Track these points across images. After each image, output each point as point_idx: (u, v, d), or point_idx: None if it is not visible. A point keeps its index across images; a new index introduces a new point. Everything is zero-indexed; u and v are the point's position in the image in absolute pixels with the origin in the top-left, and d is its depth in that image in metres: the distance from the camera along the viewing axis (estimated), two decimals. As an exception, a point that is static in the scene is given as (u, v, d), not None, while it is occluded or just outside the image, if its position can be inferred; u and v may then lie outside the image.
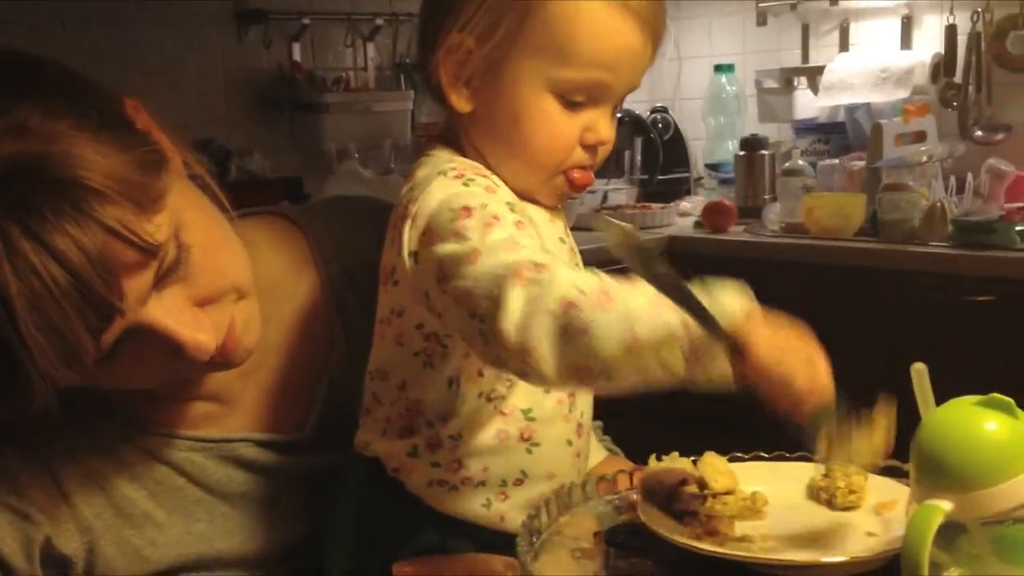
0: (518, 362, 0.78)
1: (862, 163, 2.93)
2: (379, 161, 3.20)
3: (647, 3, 0.92)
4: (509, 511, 0.97)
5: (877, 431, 0.78)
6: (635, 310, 0.77)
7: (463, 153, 0.96)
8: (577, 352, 0.76)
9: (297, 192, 2.98)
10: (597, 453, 1.15)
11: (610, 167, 3.48)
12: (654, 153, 3.47)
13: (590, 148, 0.95)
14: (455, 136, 0.98)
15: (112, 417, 0.97)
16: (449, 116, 0.98)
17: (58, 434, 0.95)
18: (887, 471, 0.92)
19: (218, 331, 0.89)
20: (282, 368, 1.03)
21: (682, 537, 0.85)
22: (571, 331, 0.76)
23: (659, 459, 0.96)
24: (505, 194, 0.91)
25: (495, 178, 0.93)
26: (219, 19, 3.05)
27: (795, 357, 0.76)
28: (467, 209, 0.85)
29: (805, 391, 0.76)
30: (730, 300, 0.77)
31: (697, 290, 0.77)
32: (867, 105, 3.20)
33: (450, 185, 0.89)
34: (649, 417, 2.94)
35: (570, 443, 0.99)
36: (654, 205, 3.25)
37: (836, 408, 0.77)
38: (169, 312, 0.85)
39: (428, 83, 0.96)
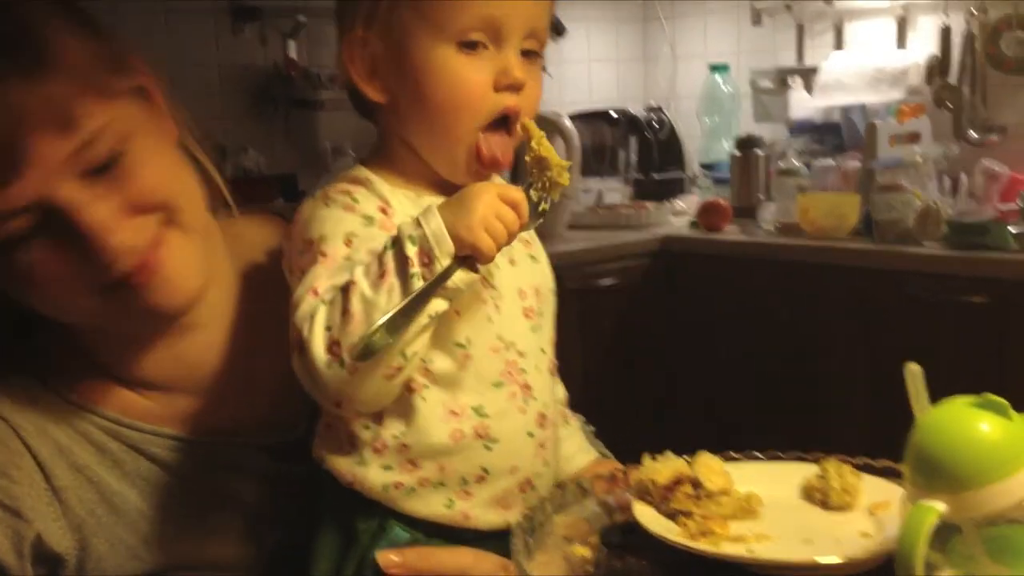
0: (305, 375, 0.88)
1: (857, 163, 2.93)
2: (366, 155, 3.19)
3: None
4: (473, 508, 0.96)
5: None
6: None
7: (391, 155, 0.99)
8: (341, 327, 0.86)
9: (292, 189, 2.98)
10: (586, 454, 1.15)
11: (605, 166, 3.49)
12: (649, 152, 3.48)
13: (506, 91, 0.95)
14: (382, 143, 1.01)
15: (97, 411, 0.97)
16: (377, 126, 1.01)
17: (46, 429, 0.95)
18: (882, 471, 0.92)
19: (139, 242, 0.89)
20: (276, 367, 1.03)
21: (677, 537, 0.85)
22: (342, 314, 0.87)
23: (653, 458, 0.96)
24: (366, 207, 0.94)
25: (361, 192, 0.96)
26: (215, 15, 3.05)
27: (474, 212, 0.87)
28: (308, 243, 0.93)
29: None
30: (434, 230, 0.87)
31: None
32: (862, 105, 3.21)
33: (311, 208, 0.96)
34: (642, 416, 2.95)
35: (531, 435, 0.99)
36: (649, 204, 3.26)
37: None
38: (89, 205, 0.86)
39: (348, 93, 0.99)
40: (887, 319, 2.60)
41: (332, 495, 0.95)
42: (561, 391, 1.14)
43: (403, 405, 0.94)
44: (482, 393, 0.96)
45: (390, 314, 0.84)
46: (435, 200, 0.95)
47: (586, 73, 3.83)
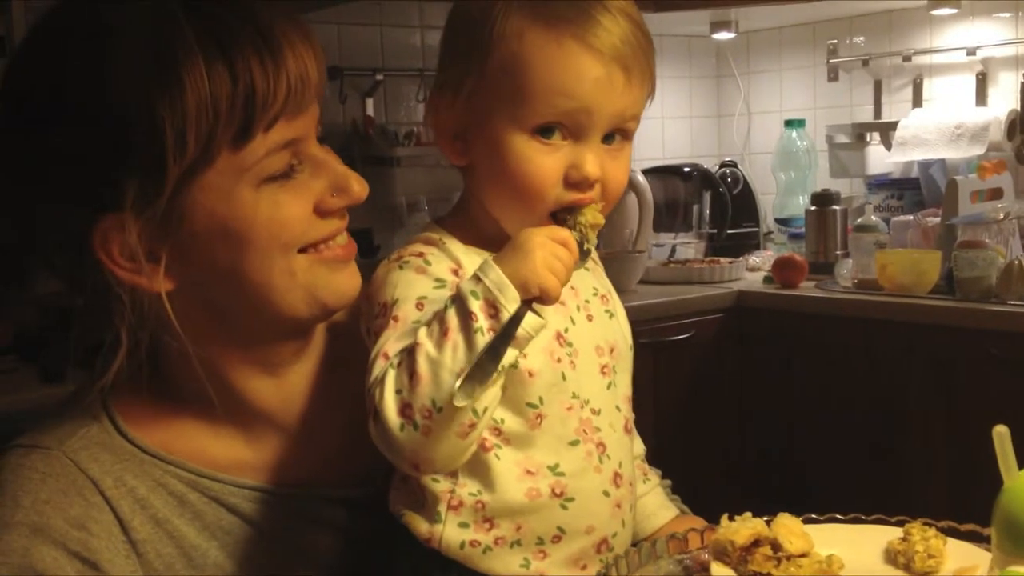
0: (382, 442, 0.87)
1: (937, 220, 2.89)
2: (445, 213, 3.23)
3: (600, 33, 0.92)
4: (549, 568, 0.96)
5: None
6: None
7: (470, 213, 1.01)
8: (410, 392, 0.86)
9: (367, 244, 3.02)
10: (667, 511, 1.14)
11: (678, 221, 3.48)
12: (722, 207, 3.46)
13: (575, 185, 0.95)
14: (462, 201, 1.03)
15: (175, 461, 0.97)
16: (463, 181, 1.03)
17: (124, 480, 0.95)
18: (967, 536, 0.90)
19: (364, 194, 0.96)
20: (353, 417, 1.04)
21: (755, 599, 0.83)
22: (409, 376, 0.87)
23: (731, 519, 0.95)
24: (438, 269, 0.95)
25: (434, 254, 0.97)
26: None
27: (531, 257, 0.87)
28: (382, 306, 0.94)
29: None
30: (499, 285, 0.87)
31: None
32: (942, 161, 3.17)
33: (385, 270, 0.97)
34: (715, 474, 2.91)
35: (607, 494, 0.98)
36: (722, 259, 3.24)
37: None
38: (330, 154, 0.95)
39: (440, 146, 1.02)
40: (969, 378, 2.54)
41: (409, 550, 0.95)
42: (639, 446, 1.14)
43: (478, 464, 0.94)
44: (557, 452, 0.96)
45: (467, 371, 0.83)
46: None
47: (660, 129, 3.84)
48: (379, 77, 3.16)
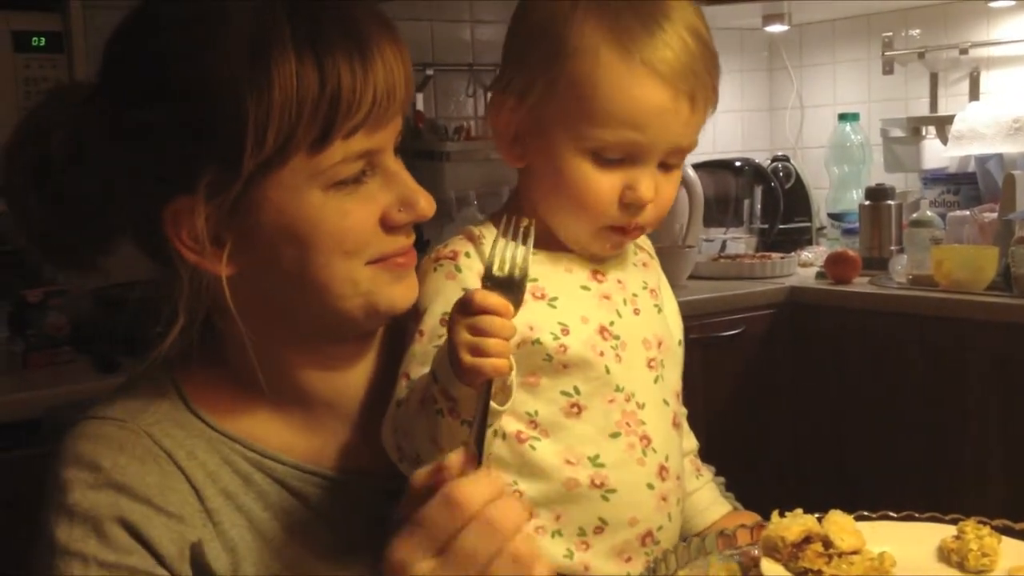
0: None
1: (994, 215, 2.84)
2: (497, 208, 3.23)
3: (672, 63, 0.92)
4: (593, 559, 0.96)
5: None
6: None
7: (519, 206, 1.00)
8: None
9: (417, 239, 3.03)
10: (720, 507, 1.13)
11: (729, 216, 3.45)
12: (774, 202, 3.43)
13: (629, 207, 0.96)
14: (516, 197, 1.03)
15: (241, 440, 0.99)
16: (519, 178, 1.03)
17: (195, 454, 0.97)
18: (1023, 534, 0.88)
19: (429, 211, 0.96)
20: None
21: (806, 596, 0.83)
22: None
23: (782, 515, 0.94)
24: (466, 277, 0.96)
25: (468, 255, 0.98)
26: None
27: None
28: (416, 312, 0.97)
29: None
30: None
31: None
32: (999, 155, 3.11)
33: (424, 267, 1.00)
34: (767, 470, 2.89)
35: (651, 487, 0.98)
36: (774, 255, 3.21)
37: None
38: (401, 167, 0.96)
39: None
40: (1026, 376, 2.50)
41: None
42: (691, 442, 1.13)
43: (514, 453, 0.95)
44: (598, 443, 0.96)
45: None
46: (545, 258, 0.98)
47: (711, 123, 3.79)
48: (429, 72, 3.17)
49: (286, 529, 0.99)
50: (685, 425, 1.10)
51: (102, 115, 0.92)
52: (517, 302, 0.83)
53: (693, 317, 2.74)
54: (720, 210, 3.45)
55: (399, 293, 0.96)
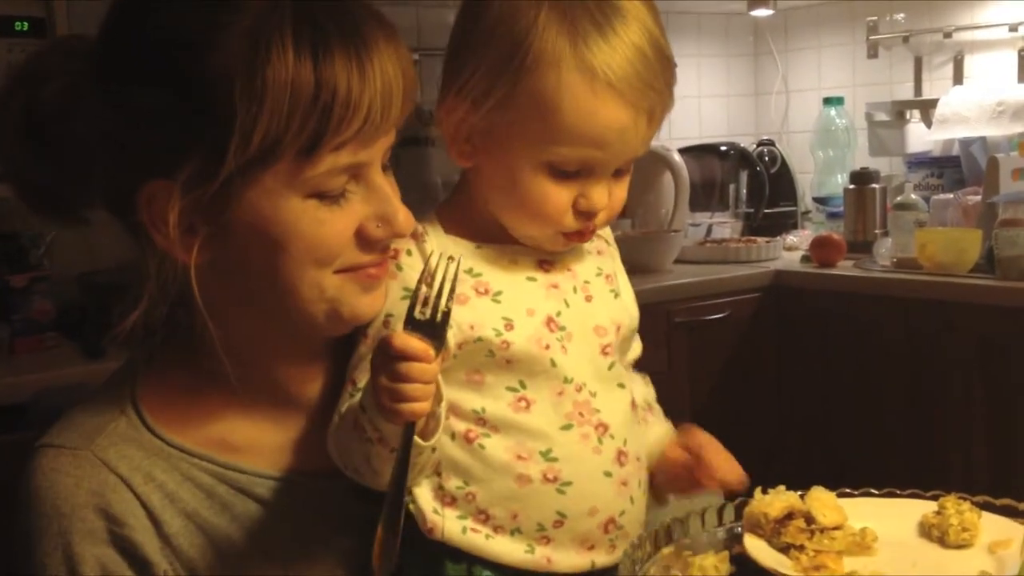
0: None
1: (977, 198, 2.86)
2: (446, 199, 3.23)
3: (634, 82, 0.92)
4: (554, 553, 0.96)
5: None
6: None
7: (468, 204, 1.01)
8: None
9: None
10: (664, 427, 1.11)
11: (714, 200, 3.46)
12: (760, 186, 3.44)
13: (583, 214, 0.96)
14: (462, 189, 1.02)
15: (200, 454, 0.98)
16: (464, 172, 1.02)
17: (153, 475, 0.96)
18: (1002, 510, 0.90)
19: (409, 227, 0.95)
20: None
21: (788, 571, 0.84)
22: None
23: (765, 492, 0.95)
24: (407, 276, 0.96)
25: (409, 254, 0.98)
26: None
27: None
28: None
29: None
30: None
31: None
32: (982, 139, 3.12)
33: None
34: (753, 452, 2.90)
35: (609, 474, 0.98)
36: (759, 239, 3.22)
37: None
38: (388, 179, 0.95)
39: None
40: (1008, 356, 2.51)
41: (420, 539, 0.95)
42: (641, 391, 1.11)
43: (463, 456, 0.95)
44: (550, 436, 0.96)
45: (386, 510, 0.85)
46: (490, 252, 0.99)
47: (696, 108, 3.81)
48: (415, 57, 3.15)
49: (249, 538, 0.98)
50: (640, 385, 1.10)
51: (97, 78, 0.91)
52: (439, 346, 0.83)
53: (679, 301, 2.75)
54: (706, 194, 3.45)
55: (365, 303, 0.95)
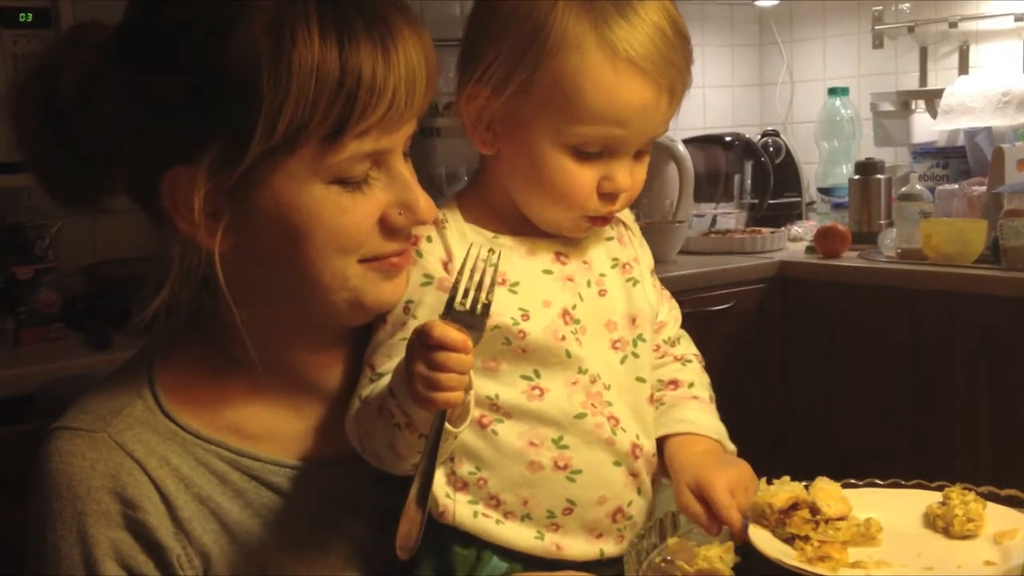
0: None
1: (982, 188, 2.85)
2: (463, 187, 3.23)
3: (655, 59, 0.92)
4: (563, 539, 0.97)
5: None
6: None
7: (488, 192, 1.01)
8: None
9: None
10: (679, 424, 1.08)
11: (719, 191, 3.46)
12: (764, 177, 3.43)
13: (607, 195, 0.97)
14: (481, 178, 1.03)
15: (216, 441, 0.98)
16: (482, 160, 1.02)
17: (168, 460, 0.96)
18: (1007, 501, 0.90)
19: (431, 215, 0.96)
20: None
21: (793, 561, 0.84)
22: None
23: (770, 483, 0.95)
24: (428, 263, 0.97)
25: (430, 240, 0.98)
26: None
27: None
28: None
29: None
30: None
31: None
32: (988, 129, 3.12)
33: None
34: (757, 444, 2.90)
35: (619, 464, 0.98)
36: (764, 230, 3.22)
37: None
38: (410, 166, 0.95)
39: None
40: (1013, 346, 2.51)
41: (430, 522, 0.95)
42: (678, 374, 1.10)
43: (475, 441, 0.95)
44: (562, 425, 0.96)
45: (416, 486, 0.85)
46: (508, 242, 0.99)
47: (701, 98, 3.81)
48: (421, 47, 3.15)
49: (264, 526, 0.99)
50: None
51: (116, 67, 0.90)
52: (477, 337, 0.84)
53: (684, 292, 2.75)
54: (710, 185, 3.45)
55: (388, 291, 0.96)
